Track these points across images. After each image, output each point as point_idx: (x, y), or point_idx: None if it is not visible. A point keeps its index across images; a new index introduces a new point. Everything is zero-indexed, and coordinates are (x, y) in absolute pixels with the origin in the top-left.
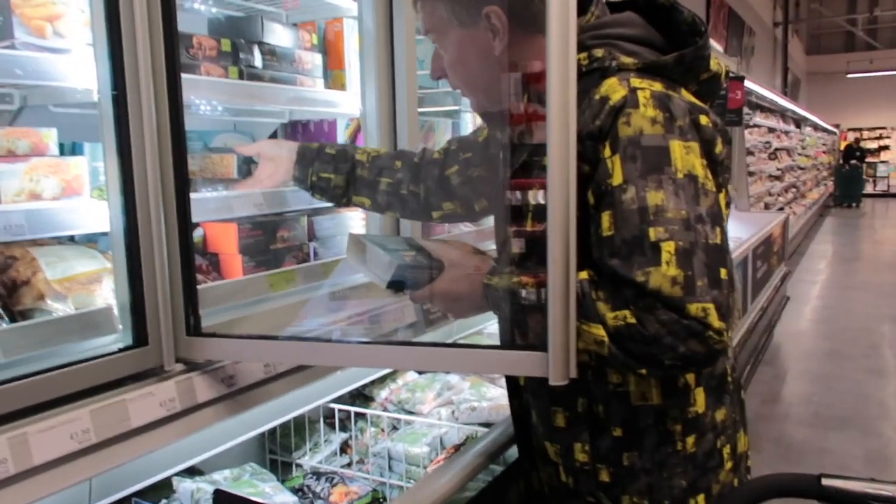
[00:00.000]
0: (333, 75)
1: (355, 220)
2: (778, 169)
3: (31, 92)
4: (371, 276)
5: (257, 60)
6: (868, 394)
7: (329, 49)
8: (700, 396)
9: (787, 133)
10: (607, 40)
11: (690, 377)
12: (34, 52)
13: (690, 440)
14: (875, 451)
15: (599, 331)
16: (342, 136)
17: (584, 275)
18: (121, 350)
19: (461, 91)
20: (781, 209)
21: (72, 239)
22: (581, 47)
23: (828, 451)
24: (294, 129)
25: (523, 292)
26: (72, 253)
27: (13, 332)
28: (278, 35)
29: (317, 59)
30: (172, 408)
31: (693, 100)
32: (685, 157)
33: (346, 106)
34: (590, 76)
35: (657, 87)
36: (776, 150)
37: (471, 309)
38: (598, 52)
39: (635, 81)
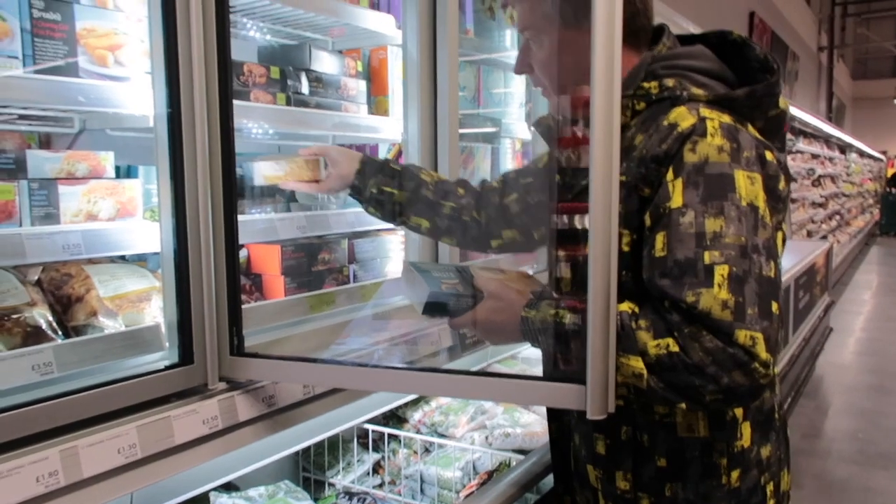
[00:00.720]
0: (377, 101)
1: (395, 243)
2: (821, 196)
3: (91, 116)
4: (412, 301)
5: (304, 87)
6: None
7: (373, 76)
8: (747, 431)
9: (831, 159)
10: (679, 71)
11: (738, 411)
12: (96, 79)
13: (735, 474)
14: None
15: (638, 363)
16: None
17: (623, 306)
18: (167, 368)
19: (544, 90)
20: (825, 237)
21: (122, 258)
22: (652, 76)
23: (872, 491)
24: None
25: (568, 317)
26: (123, 271)
27: (67, 347)
28: (325, 63)
29: (361, 86)
30: (214, 426)
31: (758, 136)
32: (749, 187)
33: (389, 131)
34: (659, 104)
35: (726, 118)
36: (820, 176)
37: (508, 338)
38: (670, 82)
39: (705, 111)
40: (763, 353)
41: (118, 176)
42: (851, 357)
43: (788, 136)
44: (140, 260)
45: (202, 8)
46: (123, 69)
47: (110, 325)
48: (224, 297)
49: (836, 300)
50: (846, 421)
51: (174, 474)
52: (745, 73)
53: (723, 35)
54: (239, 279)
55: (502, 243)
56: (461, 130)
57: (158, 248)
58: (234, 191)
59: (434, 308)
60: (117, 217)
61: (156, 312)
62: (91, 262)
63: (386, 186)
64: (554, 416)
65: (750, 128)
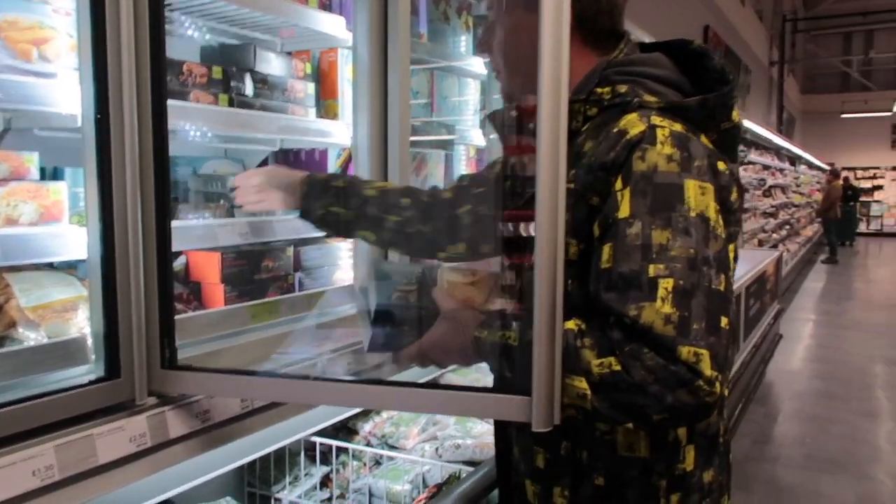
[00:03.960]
0: (326, 105)
1: (343, 250)
2: (772, 206)
3: (16, 115)
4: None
5: (248, 89)
6: (861, 436)
7: (322, 78)
8: (690, 454)
9: (781, 171)
10: (633, 77)
11: (682, 432)
12: (19, 75)
13: (675, 498)
14: (868, 495)
15: (582, 384)
16: (333, 166)
17: (570, 324)
18: (91, 382)
19: (498, 74)
20: (775, 246)
21: (51, 265)
22: (606, 81)
23: (820, 495)
24: (285, 158)
25: (514, 336)
26: (49, 280)
27: None
28: (271, 64)
29: (309, 89)
30: (143, 443)
31: (711, 146)
32: (699, 197)
33: (338, 136)
34: (611, 110)
35: (677, 127)
36: (770, 187)
37: (463, 360)
38: (622, 88)
39: (656, 119)
40: (707, 371)
41: (44, 178)
42: (800, 364)
43: (741, 147)
44: (69, 267)
45: (134, 1)
46: (49, 65)
47: (31, 337)
48: (154, 306)
49: (785, 307)
50: (795, 427)
51: (97, 496)
52: (703, 84)
53: (683, 44)
54: (172, 288)
55: (448, 256)
56: (415, 138)
57: (85, 255)
58: (167, 195)
59: (377, 346)
60: (40, 222)
61: (82, 323)
62: (14, 269)
63: (333, 207)
64: (500, 426)
65: (703, 138)
